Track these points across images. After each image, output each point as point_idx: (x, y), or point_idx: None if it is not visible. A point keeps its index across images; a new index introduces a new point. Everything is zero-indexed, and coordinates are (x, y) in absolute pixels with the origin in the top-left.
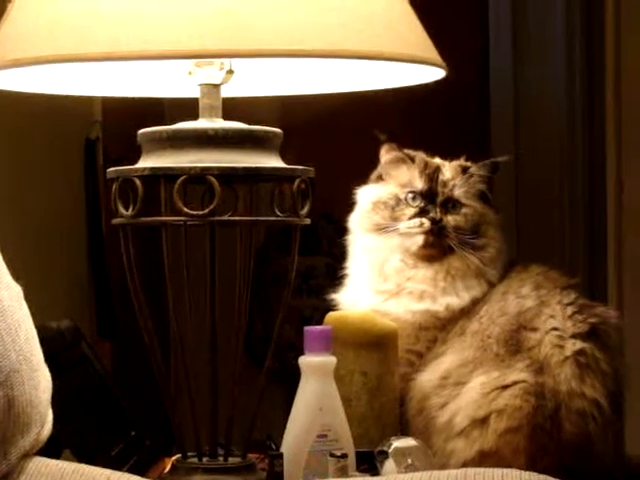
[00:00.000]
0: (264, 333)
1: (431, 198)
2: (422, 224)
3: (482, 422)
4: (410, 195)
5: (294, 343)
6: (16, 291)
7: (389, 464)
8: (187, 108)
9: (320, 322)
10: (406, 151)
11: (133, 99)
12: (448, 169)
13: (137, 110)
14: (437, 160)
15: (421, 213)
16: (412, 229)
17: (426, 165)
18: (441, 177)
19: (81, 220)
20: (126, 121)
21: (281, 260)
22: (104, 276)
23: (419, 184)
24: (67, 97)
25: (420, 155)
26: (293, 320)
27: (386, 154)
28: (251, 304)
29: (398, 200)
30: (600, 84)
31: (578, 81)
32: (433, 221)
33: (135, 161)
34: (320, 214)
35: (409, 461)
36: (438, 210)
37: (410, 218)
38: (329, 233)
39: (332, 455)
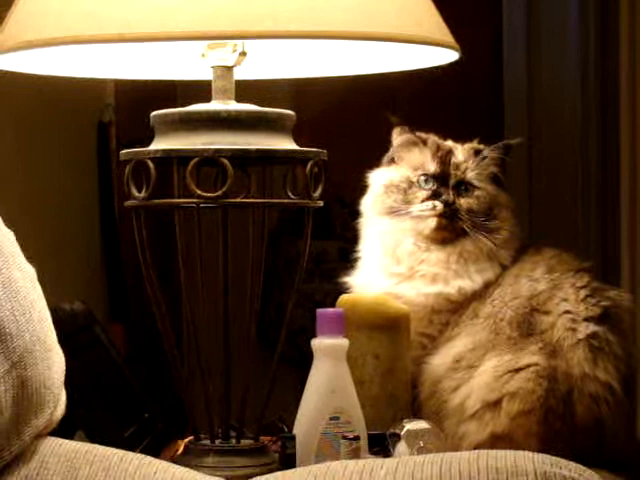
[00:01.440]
0: (276, 316)
1: (443, 181)
2: (435, 207)
3: (494, 405)
4: (422, 178)
5: (306, 327)
6: (30, 272)
7: (401, 446)
8: (200, 91)
9: (332, 306)
10: (418, 134)
11: (146, 83)
12: (460, 152)
13: (150, 93)
14: (449, 143)
15: (434, 196)
16: (424, 212)
17: (438, 148)
18: (453, 160)
19: (94, 203)
20: (139, 104)
21: (293, 244)
22: (117, 259)
23: (431, 167)
24: (80, 80)
25: (432, 138)
26: (305, 304)
27: (398, 137)
28: (263, 287)
29: (410, 183)
30: (614, 65)
31: (592, 62)
32: (446, 204)
33: (148, 145)
34: (333, 198)
35: (421, 444)
36: (451, 193)
37: (423, 201)
38: (342, 217)
39: (344, 437)
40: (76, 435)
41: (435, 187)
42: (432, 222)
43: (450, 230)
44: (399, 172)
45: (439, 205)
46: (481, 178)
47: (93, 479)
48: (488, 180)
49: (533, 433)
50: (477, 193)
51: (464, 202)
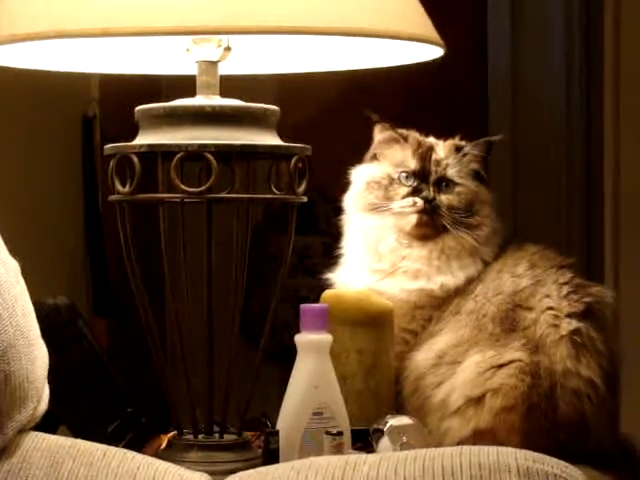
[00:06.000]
0: (260, 312)
1: (424, 177)
2: (415, 203)
3: (477, 401)
4: (403, 174)
5: (290, 322)
6: (13, 266)
7: (384, 442)
8: (184, 87)
9: (316, 301)
10: (399, 131)
11: (130, 77)
12: (442, 148)
13: (134, 88)
14: (431, 139)
15: (414, 192)
16: (405, 208)
17: (419, 144)
18: (434, 156)
19: (78, 198)
20: (123, 99)
21: (277, 239)
22: (101, 253)
23: (412, 163)
24: (65, 75)
25: (413, 134)
26: (289, 299)
27: (379, 134)
28: (247, 283)
29: (391, 180)
30: (598, 62)
31: (576, 59)
32: (426, 200)
33: (132, 139)
34: (317, 194)
35: (404, 439)
36: (431, 189)
37: (403, 197)
38: (326, 213)
39: (328, 433)
40: (59, 430)
41: (416, 184)
42: (413, 218)
43: (431, 226)
44: (380, 169)
45: (419, 201)
46: (462, 175)
47: (76, 474)
48: (469, 177)
49: (516, 429)
50: (458, 189)
51: (445, 198)
